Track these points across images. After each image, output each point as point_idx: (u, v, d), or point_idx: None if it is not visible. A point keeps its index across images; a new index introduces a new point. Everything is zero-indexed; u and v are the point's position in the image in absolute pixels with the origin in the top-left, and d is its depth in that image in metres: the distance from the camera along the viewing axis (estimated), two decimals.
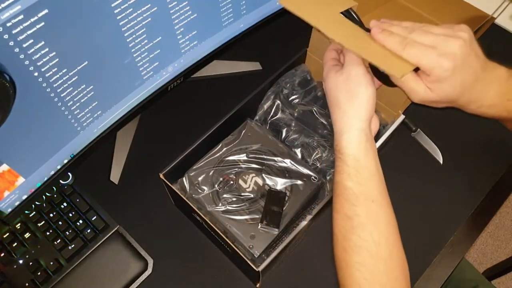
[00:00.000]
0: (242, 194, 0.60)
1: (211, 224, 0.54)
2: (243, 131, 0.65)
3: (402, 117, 0.63)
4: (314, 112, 0.66)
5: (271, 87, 0.67)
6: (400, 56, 0.45)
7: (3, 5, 0.38)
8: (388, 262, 0.45)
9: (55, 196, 0.64)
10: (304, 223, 0.55)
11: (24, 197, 0.55)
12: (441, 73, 0.44)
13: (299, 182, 0.61)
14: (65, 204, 0.64)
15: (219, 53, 0.68)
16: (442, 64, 0.44)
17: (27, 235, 0.62)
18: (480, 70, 0.46)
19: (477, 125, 0.75)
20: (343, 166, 0.47)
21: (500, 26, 0.84)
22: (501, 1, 0.77)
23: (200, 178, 0.61)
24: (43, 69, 0.45)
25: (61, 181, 0.65)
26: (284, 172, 0.62)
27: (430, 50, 0.44)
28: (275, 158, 0.62)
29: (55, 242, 0.61)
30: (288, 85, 0.67)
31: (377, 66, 0.45)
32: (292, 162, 0.62)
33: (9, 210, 0.54)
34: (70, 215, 0.63)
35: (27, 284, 0.59)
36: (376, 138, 0.64)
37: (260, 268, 0.51)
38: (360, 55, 0.48)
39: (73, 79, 0.50)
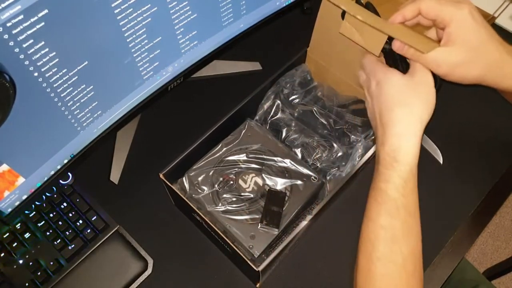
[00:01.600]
0: (242, 194, 0.60)
1: (211, 224, 0.54)
2: (243, 131, 0.65)
3: None
4: (314, 112, 0.66)
5: (271, 87, 0.67)
6: (424, 36, 0.48)
7: (3, 5, 0.38)
8: (411, 276, 0.45)
9: (55, 196, 0.64)
10: (304, 223, 0.55)
11: (24, 197, 0.55)
12: (463, 15, 0.46)
13: (299, 182, 0.61)
14: (65, 204, 0.64)
15: (219, 53, 0.68)
16: (461, 8, 0.46)
17: (27, 235, 0.62)
18: (489, 35, 0.48)
19: (477, 125, 0.75)
20: (393, 175, 0.46)
21: (500, 26, 0.85)
22: (502, 1, 0.77)
23: (200, 178, 0.60)
24: (43, 69, 0.45)
25: (61, 181, 0.65)
26: (284, 172, 0.62)
27: (445, 2, 0.47)
28: (275, 158, 0.62)
29: (55, 242, 0.61)
30: (288, 85, 0.67)
31: (405, 43, 0.47)
32: (292, 162, 0.62)
33: (9, 210, 0.54)
34: (70, 215, 0.63)
35: (27, 284, 0.59)
36: None
37: (260, 268, 0.51)
38: (389, 33, 0.49)
39: (73, 79, 0.50)
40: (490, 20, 0.77)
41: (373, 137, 0.65)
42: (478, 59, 0.47)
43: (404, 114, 0.47)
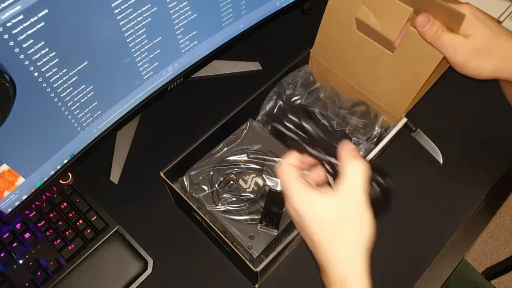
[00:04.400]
0: (242, 194, 0.60)
1: (211, 224, 0.54)
2: (245, 131, 0.65)
3: (404, 120, 0.63)
4: (316, 114, 0.66)
5: (274, 88, 0.67)
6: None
7: (3, 5, 0.38)
8: None
9: (55, 196, 0.64)
10: None
11: (24, 197, 0.55)
12: (468, 17, 0.46)
13: None
14: (65, 204, 0.64)
15: (219, 53, 0.68)
16: (462, 10, 0.46)
17: (27, 235, 0.62)
18: (500, 29, 0.48)
19: (477, 125, 0.75)
20: None
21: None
22: (507, 5, 0.77)
23: (200, 178, 0.61)
24: (43, 69, 0.45)
25: (61, 181, 0.65)
26: None
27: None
28: (276, 159, 0.62)
29: (55, 242, 0.61)
30: (290, 86, 0.67)
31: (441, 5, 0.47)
32: None
33: (9, 210, 0.54)
34: (70, 215, 0.63)
35: (27, 284, 0.59)
36: (378, 140, 0.64)
37: (258, 269, 0.51)
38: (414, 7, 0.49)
39: (73, 79, 0.50)
40: None
41: (375, 140, 0.64)
42: (494, 49, 0.48)
43: (338, 256, 0.39)
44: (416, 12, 0.50)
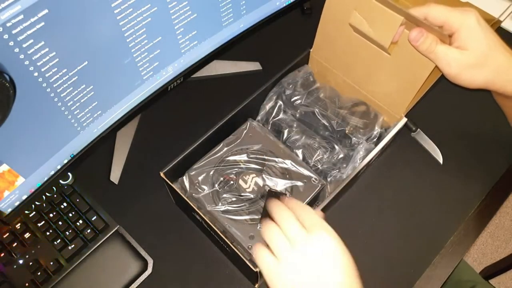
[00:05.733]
0: (242, 194, 0.60)
1: (211, 224, 0.54)
2: (245, 131, 0.65)
3: (404, 120, 0.63)
4: (316, 114, 0.66)
5: (274, 88, 0.67)
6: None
7: (3, 5, 0.38)
8: None
9: (55, 196, 0.64)
10: None
11: (24, 197, 0.55)
12: (471, 22, 0.47)
13: (299, 183, 0.61)
14: (65, 204, 0.64)
15: (219, 53, 0.68)
16: (468, 16, 0.47)
17: (27, 235, 0.62)
18: (497, 40, 0.49)
19: (477, 125, 0.75)
20: None
21: (506, 30, 0.84)
22: (508, 5, 0.77)
23: (200, 178, 0.60)
24: (43, 69, 0.45)
25: (61, 181, 0.65)
26: (284, 173, 0.62)
27: (452, 9, 0.48)
28: (276, 159, 0.62)
29: (55, 242, 0.61)
30: (290, 86, 0.67)
31: (432, 23, 0.48)
32: (293, 163, 0.62)
33: (9, 210, 0.54)
34: (70, 215, 0.63)
35: (27, 284, 0.59)
36: (378, 140, 0.64)
37: (258, 269, 0.51)
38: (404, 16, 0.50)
39: (73, 79, 0.50)
40: (495, 24, 0.77)
41: (375, 140, 0.65)
42: (488, 63, 0.48)
43: None
44: (408, 18, 0.50)
